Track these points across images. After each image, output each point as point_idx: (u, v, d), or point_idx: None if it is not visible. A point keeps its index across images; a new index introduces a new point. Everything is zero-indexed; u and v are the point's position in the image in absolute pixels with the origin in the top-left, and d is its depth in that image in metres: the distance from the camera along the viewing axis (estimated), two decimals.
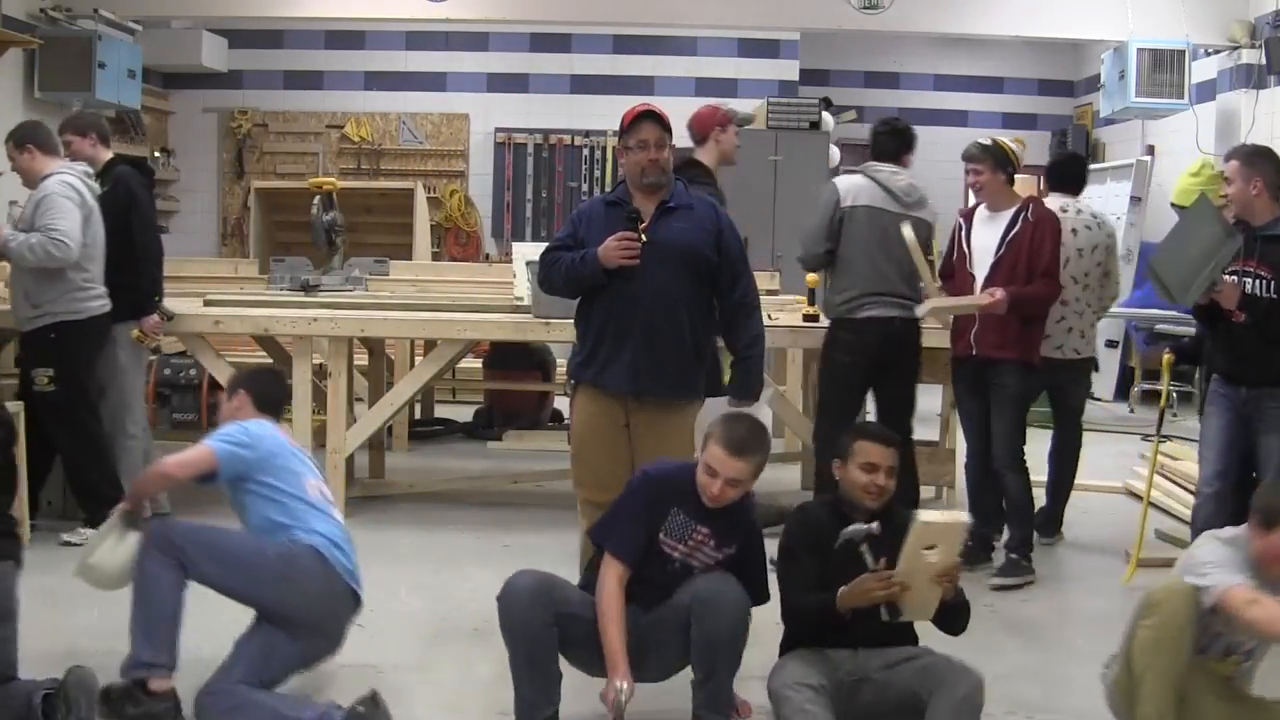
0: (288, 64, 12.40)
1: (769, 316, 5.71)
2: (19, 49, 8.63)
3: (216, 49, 11.83)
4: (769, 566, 3.72)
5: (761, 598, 3.63)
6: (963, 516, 3.59)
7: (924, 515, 3.47)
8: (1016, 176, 5.52)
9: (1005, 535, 5.42)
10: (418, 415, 8.66)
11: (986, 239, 5.37)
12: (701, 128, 5.68)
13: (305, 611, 3.70)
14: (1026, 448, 5.40)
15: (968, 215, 5.54)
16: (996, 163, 5.37)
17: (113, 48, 9.42)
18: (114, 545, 3.79)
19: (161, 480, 3.97)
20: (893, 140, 5.55)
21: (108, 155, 5.79)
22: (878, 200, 5.42)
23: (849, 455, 3.64)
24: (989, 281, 5.26)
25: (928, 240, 5.54)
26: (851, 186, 5.47)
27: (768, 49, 12.22)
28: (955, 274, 5.49)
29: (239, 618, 3.73)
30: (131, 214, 5.68)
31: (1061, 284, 5.48)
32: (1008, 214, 5.34)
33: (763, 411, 4.78)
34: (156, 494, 4.07)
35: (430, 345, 6.45)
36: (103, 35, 9.25)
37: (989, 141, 5.47)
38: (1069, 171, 6.19)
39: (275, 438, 3.89)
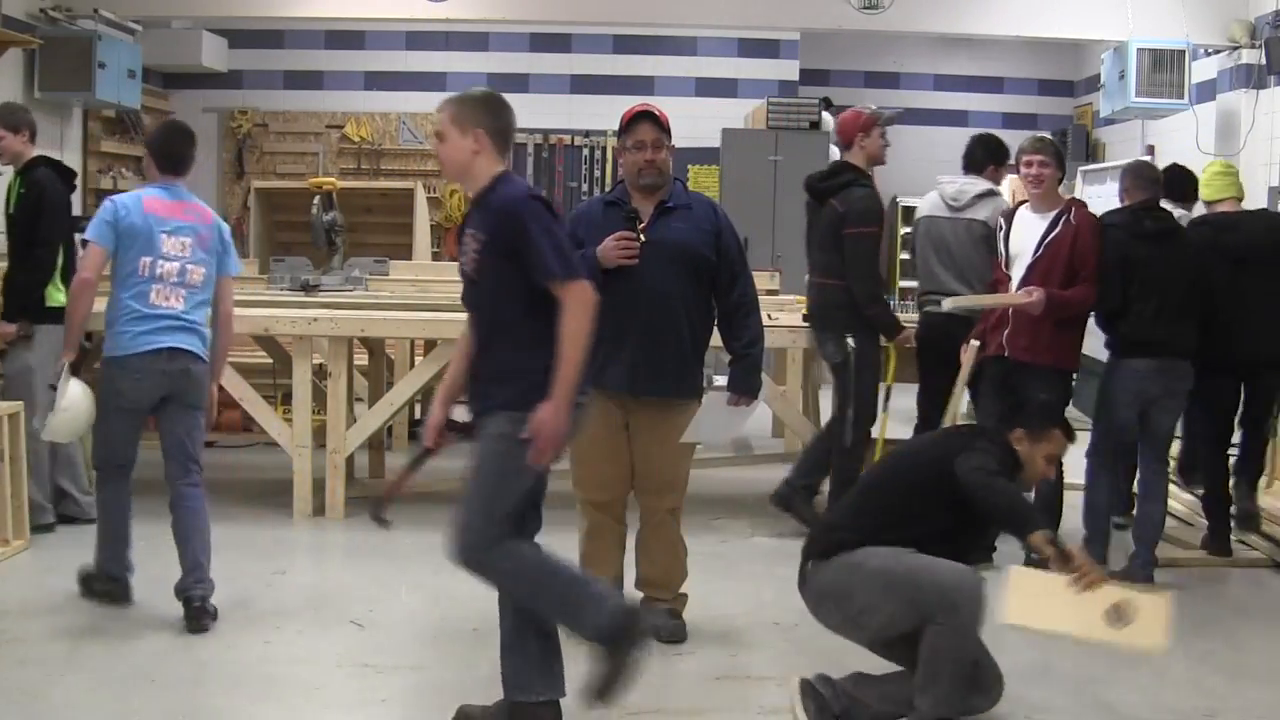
0: (288, 64, 12.40)
1: (769, 317, 5.71)
2: (19, 49, 8.63)
3: (216, 49, 11.84)
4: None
5: (550, 275, 3.37)
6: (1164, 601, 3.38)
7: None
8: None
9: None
10: (418, 415, 8.65)
11: (1025, 240, 5.29)
12: (845, 134, 5.79)
13: (167, 400, 4.43)
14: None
15: (1008, 216, 5.49)
16: (1058, 159, 5.32)
17: (113, 48, 9.41)
18: (78, 400, 4.50)
19: (83, 290, 4.51)
20: (977, 151, 6.00)
21: (32, 153, 5.74)
22: (935, 209, 5.95)
23: (1042, 438, 3.69)
24: (1023, 285, 5.18)
25: (984, 237, 5.74)
26: (922, 203, 6.08)
27: (768, 49, 12.22)
28: (994, 276, 5.48)
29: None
30: (40, 218, 5.59)
31: None
32: (1049, 216, 5.25)
33: (759, 409, 4.77)
34: (87, 313, 4.56)
35: (430, 345, 6.45)
36: (103, 35, 9.24)
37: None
38: (1173, 183, 5.99)
39: (137, 217, 4.40)
